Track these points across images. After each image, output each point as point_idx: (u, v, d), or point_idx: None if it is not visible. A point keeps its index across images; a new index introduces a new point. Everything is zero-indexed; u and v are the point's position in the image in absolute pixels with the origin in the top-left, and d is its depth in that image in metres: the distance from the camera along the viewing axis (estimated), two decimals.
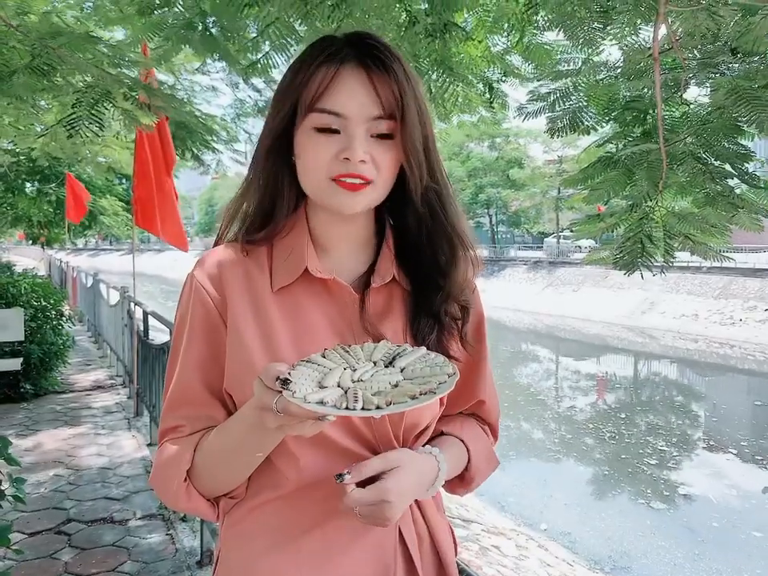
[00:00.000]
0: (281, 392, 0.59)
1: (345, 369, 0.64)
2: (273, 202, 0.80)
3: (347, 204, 0.74)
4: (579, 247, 26.71)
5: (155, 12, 2.53)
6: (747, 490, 6.12)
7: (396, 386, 0.62)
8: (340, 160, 0.71)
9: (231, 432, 0.72)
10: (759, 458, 6.94)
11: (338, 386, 0.61)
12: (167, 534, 2.97)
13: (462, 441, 0.87)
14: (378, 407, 0.58)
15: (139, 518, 3.16)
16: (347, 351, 0.68)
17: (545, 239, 31.46)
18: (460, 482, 0.89)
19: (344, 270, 0.80)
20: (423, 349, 0.69)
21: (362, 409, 0.57)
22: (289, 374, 0.60)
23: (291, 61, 0.81)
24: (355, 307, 0.78)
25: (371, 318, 0.77)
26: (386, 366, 0.66)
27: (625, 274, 2.17)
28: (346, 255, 0.82)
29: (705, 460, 7.05)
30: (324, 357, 0.67)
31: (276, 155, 0.77)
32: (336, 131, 0.72)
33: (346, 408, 0.57)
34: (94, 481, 3.66)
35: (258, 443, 0.70)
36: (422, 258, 0.81)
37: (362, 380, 0.63)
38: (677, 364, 13.12)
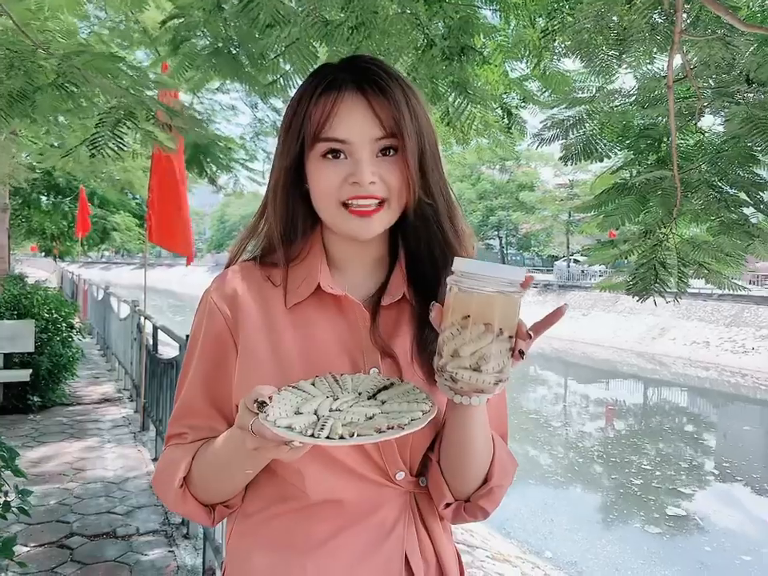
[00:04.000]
0: (258, 414, 0.61)
1: (327, 397, 0.67)
2: (287, 230, 0.82)
3: (363, 229, 0.76)
4: (584, 272, 26.60)
5: (184, 42, 2.61)
6: (750, 516, 6.02)
7: (371, 418, 0.63)
8: (349, 183, 0.74)
9: (222, 447, 0.75)
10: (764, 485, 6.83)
11: (315, 414, 0.63)
12: (169, 551, 2.94)
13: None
14: (341, 437, 0.59)
15: (142, 534, 3.13)
16: (336, 381, 0.71)
17: (555, 262, 31.38)
18: (483, 484, 0.80)
19: (357, 289, 0.82)
20: (410, 384, 0.71)
21: (327, 438, 0.59)
22: (270, 397, 0.62)
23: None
24: (366, 324, 0.78)
25: (381, 336, 0.78)
26: (369, 398, 0.68)
27: (638, 300, 2.16)
28: (360, 275, 0.84)
29: (709, 487, 6.98)
30: (313, 384, 0.70)
31: (289, 187, 0.80)
32: (343, 156, 0.75)
33: (311, 435, 0.59)
34: (98, 495, 3.64)
35: (244, 461, 0.72)
36: (426, 272, 0.82)
37: (339, 410, 0.65)
38: (687, 392, 12.94)
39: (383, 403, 0.67)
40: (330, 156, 0.75)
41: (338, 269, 0.83)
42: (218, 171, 6.36)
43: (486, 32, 2.22)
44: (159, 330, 4.53)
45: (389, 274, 0.84)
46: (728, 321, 16.36)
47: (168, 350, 5.00)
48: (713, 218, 2.24)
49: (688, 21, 1.85)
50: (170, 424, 0.84)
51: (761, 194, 2.10)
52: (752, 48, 1.87)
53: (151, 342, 4.68)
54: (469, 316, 0.63)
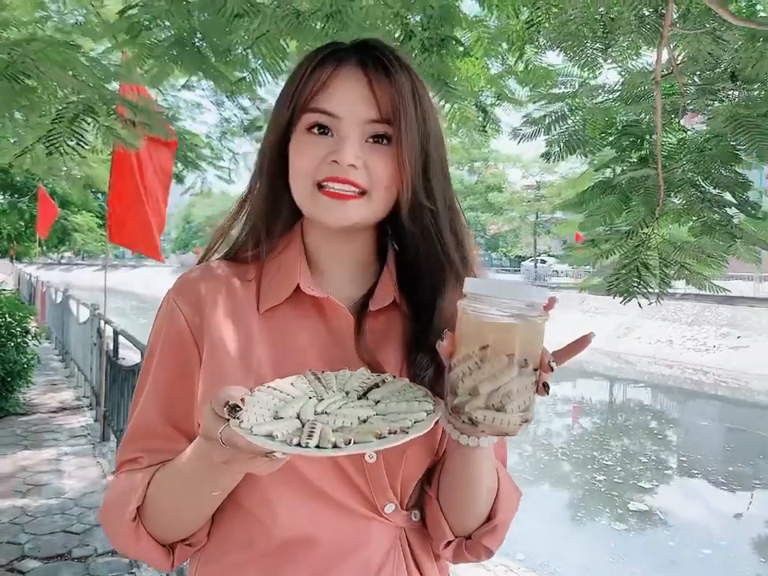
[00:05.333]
0: (229, 420, 0.51)
1: (310, 398, 0.57)
2: (269, 217, 0.72)
3: (335, 215, 0.66)
4: (556, 271, 27.06)
5: (144, 31, 2.47)
6: (707, 509, 6.16)
7: (365, 421, 0.54)
8: (328, 162, 0.65)
9: (184, 465, 0.63)
10: (723, 480, 7.01)
11: (297, 418, 0.54)
12: (130, 573, 2.76)
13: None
14: (335, 446, 0.50)
15: (100, 555, 2.93)
16: (318, 379, 0.61)
17: (522, 263, 31.82)
18: (487, 521, 0.72)
19: (341, 294, 0.72)
20: (405, 380, 0.61)
21: (317, 447, 0.49)
22: (242, 400, 0.52)
23: (279, 79, 0.75)
24: (350, 332, 0.69)
25: (368, 345, 0.68)
26: (359, 398, 0.59)
27: (621, 302, 2.11)
28: (344, 277, 0.74)
29: (673, 483, 7.13)
30: (291, 384, 0.60)
31: (274, 165, 0.71)
32: (329, 132, 0.67)
33: (298, 444, 0.49)
34: (52, 512, 3.41)
35: (211, 480, 0.61)
36: (420, 281, 0.73)
37: (326, 412, 0.55)
38: (652, 389, 13.25)
39: (377, 403, 0.57)
40: (315, 131, 0.67)
41: (318, 270, 0.73)
42: (185, 169, 6.16)
43: (468, 23, 2.14)
44: (120, 335, 4.33)
45: (377, 279, 0.74)
46: (690, 320, 16.80)
47: (131, 354, 4.77)
48: (695, 217, 2.20)
49: (677, 14, 1.80)
50: (120, 448, 0.71)
51: (745, 194, 2.06)
52: (738, 44, 1.83)
53: (111, 347, 4.47)
54: (487, 346, 0.53)
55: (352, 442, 0.50)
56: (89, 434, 5.04)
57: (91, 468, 4.19)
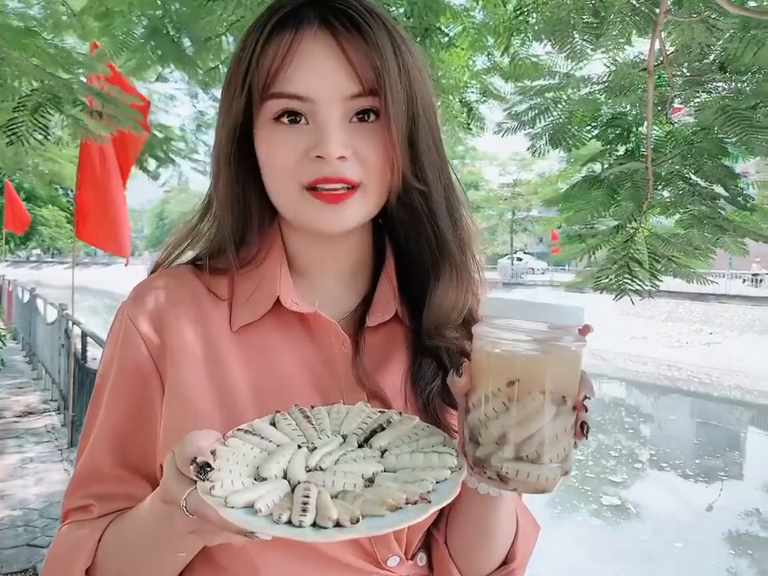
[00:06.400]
0: (197, 483, 0.40)
1: (300, 446, 0.46)
2: (239, 222, 0.60)
3: (331, 221, 0.55)
4: (532, 269, 27.32)
5: (118, 19, 2.36)
6: (677, 501, 6.25)
7: (372, 480, 0.43)
8: (312, 159, 0.53)
9: (140, 521, 0.52)
10: (691, 472, 7.13)
11: (284, 477, 0.43)
12: None
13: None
14: (337, 524, 0.38)
15: None
16: (307, 417, 0.50)
17: (498, 260, 32.04)
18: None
19: (330, 304, 0.61)
20: (415, 419, 0.50)
21: (313, 525, 0.38)
22: (213, 452, 0.42)
23: None
24: (344, 352, 0.58)
25: (367, 369, 0.58)
26: (360, 445, 0.48)
27: (614, 299, 2.06)
28: (334, 286, 0.63)
29: (645, 477, 7.25)
30: (274, 425, 0.49)
31: (236, 160, 0.58)
32: (303, 121, 0.54)
33: (288, 522, 0.38)
34: (16, 524, 3.24)
35: (174, 543, 0.51)
36: (418, 282, 0.62)
37: (320, 468, 0.44)
38: (626, 385, 13.46)
39: (383, 453, 0.46)
40: (284, 120, 0.54)
41: (303, 277, 0.62)
42: (160, 166, 5.99)
43: (453, 13, 2.06)
44: (89, 337, 4.17)
45: (373, 285, 0.63)
46: (664, 316, 17.08)
47: (100, 353, 4.61)
48: (682, 210, 2.17)
49: (670, 1, 1.74)
50: (67, 494, 0.60)
51: (738, 185, 2.03)
52: (730, 32, 1.78)
53: (80, 349, 4.30)
54: (515, 382, 0.43)
55: (360, 518, 0.38)
56: (56, 438, 4.85)
57: (57, 476, 4.01)
